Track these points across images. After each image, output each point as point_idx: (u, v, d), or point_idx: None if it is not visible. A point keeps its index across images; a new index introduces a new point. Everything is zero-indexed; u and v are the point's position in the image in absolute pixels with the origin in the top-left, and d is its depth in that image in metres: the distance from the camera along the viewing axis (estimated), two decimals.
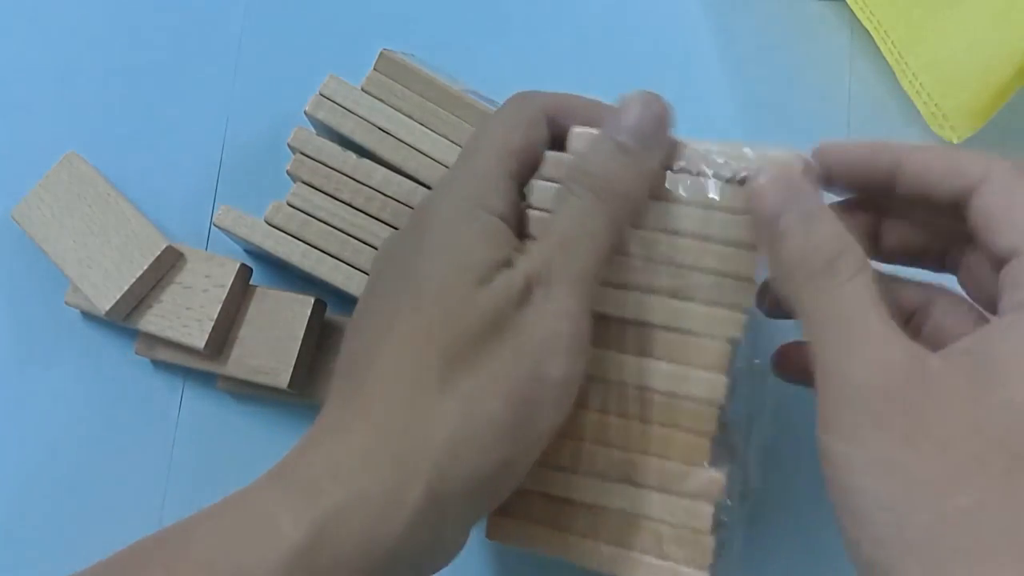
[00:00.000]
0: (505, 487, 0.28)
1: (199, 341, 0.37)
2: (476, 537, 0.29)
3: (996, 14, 0.36)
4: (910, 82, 0.38)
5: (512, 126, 0.30)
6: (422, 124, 0.37)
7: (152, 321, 0.37)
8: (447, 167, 0.37)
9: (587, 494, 0.31)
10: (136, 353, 0.39)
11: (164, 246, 0.37)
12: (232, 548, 0.26)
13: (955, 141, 0.37)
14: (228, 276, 0.37)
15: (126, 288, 0.37)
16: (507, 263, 0.28)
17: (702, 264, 0.29)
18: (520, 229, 0.30)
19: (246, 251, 0.40)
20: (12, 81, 0.43)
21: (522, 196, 0.30)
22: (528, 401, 0.27)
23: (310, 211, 0.37)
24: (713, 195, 0.29)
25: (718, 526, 0.31)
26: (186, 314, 0.37)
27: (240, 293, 0.38)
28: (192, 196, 0.41)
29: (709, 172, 0.29)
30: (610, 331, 0.30)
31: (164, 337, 0.37)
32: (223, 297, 0.37)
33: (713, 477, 0.30)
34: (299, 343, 0.36)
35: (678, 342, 0.30)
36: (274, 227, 0.37)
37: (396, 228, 0.37)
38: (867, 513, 0.24)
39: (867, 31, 0.39)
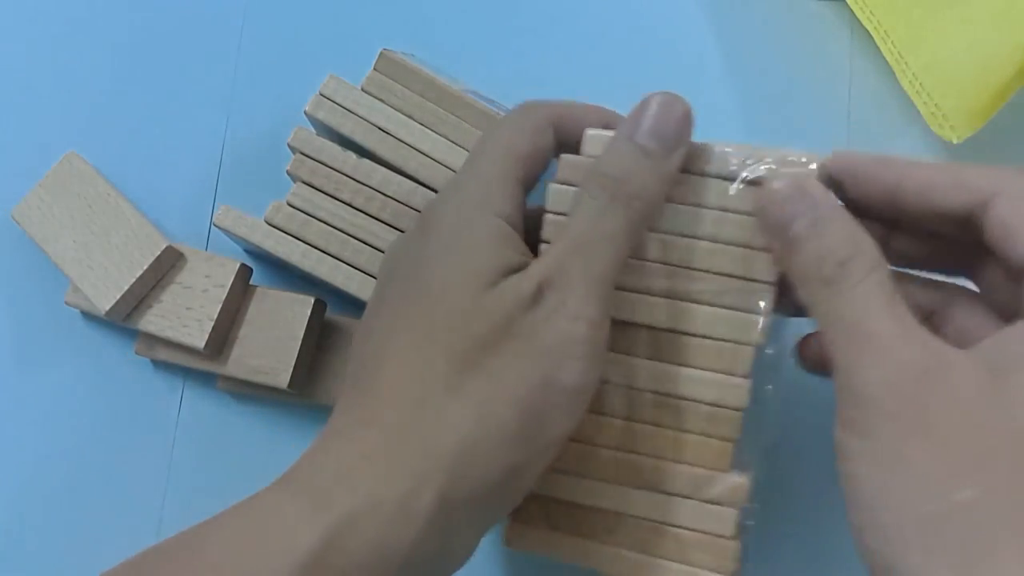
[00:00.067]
0: (515, 493, 0.28)
1: (199, 341, 0.37)
2: (484, 545, 0.29)
3: (996, 14, 0.36)
4: (910, 82, 0.38)
5: (519, 132, 0.30)
6: (422, 124, 0.37)
7: (152, 321, 0.37)
8: (447, 167, 0.37)
9: (609, 500, 0.30)
10: (136, 353, 0.39)
11: (164, 246, 0.37)
12: (246, 555, 0.26)
13: (955, 141, 0.37)
14: (228, 276, 0.37)
15: (126, 288, 0.37)
16: (516, 266, 0.28)
17: (721, 267, 0.29)
18: (527, 235, 0.29)
19: (246, 251, 0.40)
20: (12, 81, 0.43)
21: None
22: (538, 407, 0.27)
23: (310, 211, 0.37)
24: (732, 198, 0.29)
25: (741, 531, 0.30)
26: (186, 314, 0.37)
27: (240, 293, 0.38)
28: (192, 196, 0.41)
29: (728, 174, 0.29)
30: (629, 336, 0.30)
31: (164, 337, 0.37)
32: (223, 297, 0.37)
33: (738, 482, 0.30)
34: (299, 343, 0.36)
35: (700, 347, 0.29)
36: (274, 227, 0.37)
37: (396, 228, 0.37)
38: (872, 503, 0.24)
39: (867, 31, 0.39)
